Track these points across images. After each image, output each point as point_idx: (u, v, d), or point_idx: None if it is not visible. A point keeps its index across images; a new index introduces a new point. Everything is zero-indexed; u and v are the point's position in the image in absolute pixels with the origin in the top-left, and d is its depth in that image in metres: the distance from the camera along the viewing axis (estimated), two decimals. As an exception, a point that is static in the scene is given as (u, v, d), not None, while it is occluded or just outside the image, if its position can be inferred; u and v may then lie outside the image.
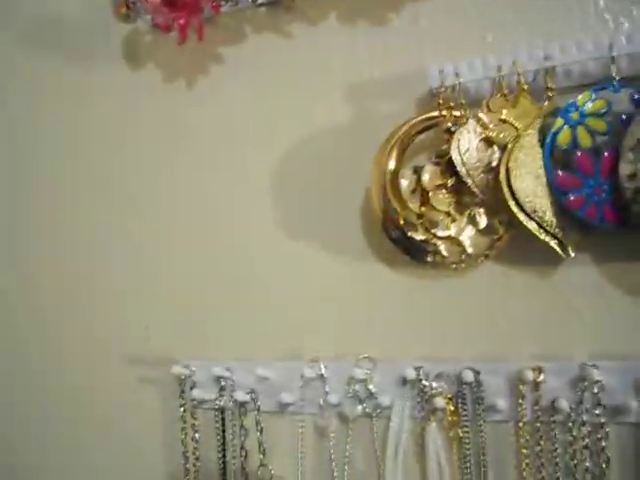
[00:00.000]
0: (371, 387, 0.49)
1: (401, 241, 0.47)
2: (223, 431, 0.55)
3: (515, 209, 0.42)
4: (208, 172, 0.57)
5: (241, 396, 0.53)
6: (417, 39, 0.50)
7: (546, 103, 0.43)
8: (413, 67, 0.49)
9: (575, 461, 0.44)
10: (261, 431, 0.53)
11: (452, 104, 0.45)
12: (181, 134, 0.58)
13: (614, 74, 0.42)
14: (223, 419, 0.55)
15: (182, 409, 0.56)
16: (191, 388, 0.56)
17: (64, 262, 0.63)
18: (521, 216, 0.42)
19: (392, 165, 0.46)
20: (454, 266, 0.46)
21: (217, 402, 0.55)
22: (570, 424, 0.44)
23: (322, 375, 0.51)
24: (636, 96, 0.42)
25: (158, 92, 0.59)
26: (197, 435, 0.56)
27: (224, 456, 0.55)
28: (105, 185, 0.61)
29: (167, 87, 0.59)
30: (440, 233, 0.44)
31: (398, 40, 0.50)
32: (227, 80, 0.57)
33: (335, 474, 0.51)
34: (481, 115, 0.44)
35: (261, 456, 0.53)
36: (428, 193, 0.44)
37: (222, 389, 0.54)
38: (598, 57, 0.42)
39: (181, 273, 0.58)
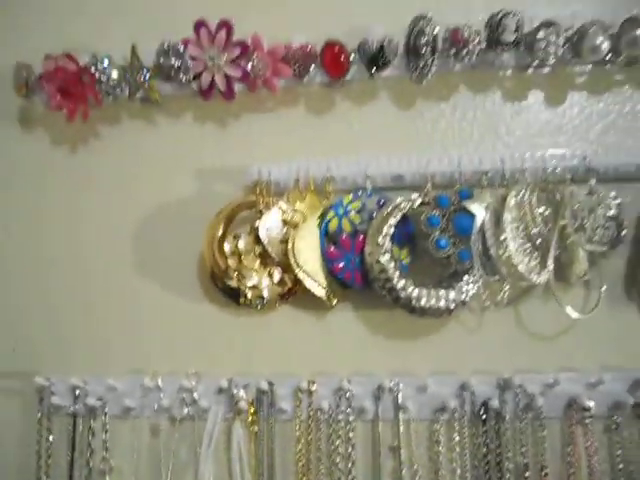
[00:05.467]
0: (195, 395, 0.66)
1: (223, 288, 0.65)
2: (74, 432, 0.68)
3: (297, 270, 0.62)
4: (82, 222, 0.71)
5: (93, 402, 0.67)
6: (248, 142, 0.69)
7: (325, 200, 0.64)
8: (243, 162, 0.67)
9: (332, 447, 0.64)
10: (106, 432, 0.67)
11: (264, 193, 0.65)
12: (64, 189, 0.72)
13: (368, 185, 0.64)
14: (75, 423, 0.68)
15: (39, 414, 0.68)
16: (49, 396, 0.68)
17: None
18: (301, 275, 0.62)
19: (219, 233, 0.64)
20: (259, 307, 0.65)
21: (71, 408, 0.68)
22: (330, 421, 0.64)
23: (158, 385, 0.66)
24: (381, 201, 0.64)
25: (45, 153, 0.73)
26: (51, 437, 0.68)
27: (73, 453, 0.67)
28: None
29: (53, 150, 0.73)
30: (248, 283, 0.63)
31: (235, 141, 0.69)
32: (103, 152, 0.72)
33: (162, 464, 0.66)
34: (282, 204, 0.64)
35: (104, 453, 0.67)
36: (241, 255, 0.63)
37: (77, 397, 0.68)
38: (357, 173, 0.64)
39: (50, 301, 0.71)
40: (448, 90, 0.67)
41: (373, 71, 0.64)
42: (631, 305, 0.63)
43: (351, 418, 0.64)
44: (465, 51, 0.62)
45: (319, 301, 0.64)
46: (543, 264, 0.60)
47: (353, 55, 0.64)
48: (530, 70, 0.66)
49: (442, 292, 0.60)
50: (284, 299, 0.65)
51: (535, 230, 0.60)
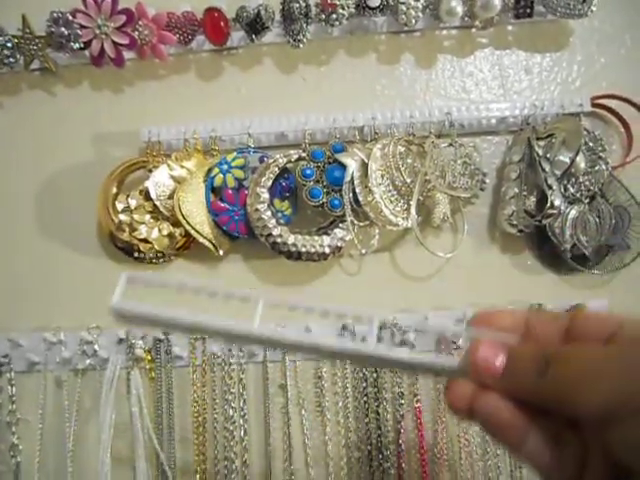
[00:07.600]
0: (96, 346, 0.69)
1: (122, 247, 0.69)
2: (-19, 389, 0.71)
3: (182, 221, 0.66)
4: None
5: (-2, 359, 0.70)
6: (141, 107, 0.73)
7: (211, 159, 0.69)
8: (137, 127, 0.71)
9: (226, 388, 0.68)
10: (12, 386, 0.70)
11: (155, 153, 0.69)
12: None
13: (251, 144, 0.69)
14: (-18, 379, 0.71)
15: (-52, 373, 0.71)
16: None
17: None
18: (187, 226, 0.66)
19: (113, 193, 0.68)
20: (154, 261, 0.69)
21: (-22, 366, 0.71)
22: (224, 364, 0.69)
23: (61, 340, 0.70)
24: (263, 158, 0.69)
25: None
26: (-40, 395, 0.72)
27: (-19, 408, 0.71)
28: None
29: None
30: (139, 236, 0.67)
31: (129, 106, 0.73)
32: (5, 122, 0.75)
33: (67, 413, 0.69)
34: (170, 162, 0.68)
35: (11, 406, 0.70)
36: (133, 211, 0.67)
37: (-18, 355, 0.71)
38: (242, 134, 0.69)
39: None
40: (327, 55, 0.72)
41: (253, 37, 0.69)
42: (493, 247, 0.69)
43: (243, 361, 0.68)
44: (335, 16, 0.67)
45: (211, 253, 0.68)
46: (409, 209, 0.65)
47: (234, 22, 0.68)
48: (402, 35, 0.72)
49: (317, 238, 0.65)
50: (179, 253, 0.70)
51: (401, 179, 0.66)
